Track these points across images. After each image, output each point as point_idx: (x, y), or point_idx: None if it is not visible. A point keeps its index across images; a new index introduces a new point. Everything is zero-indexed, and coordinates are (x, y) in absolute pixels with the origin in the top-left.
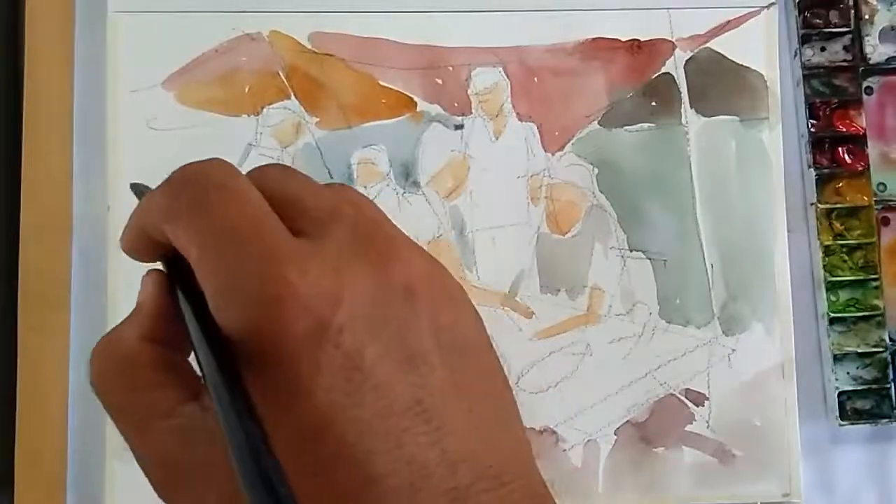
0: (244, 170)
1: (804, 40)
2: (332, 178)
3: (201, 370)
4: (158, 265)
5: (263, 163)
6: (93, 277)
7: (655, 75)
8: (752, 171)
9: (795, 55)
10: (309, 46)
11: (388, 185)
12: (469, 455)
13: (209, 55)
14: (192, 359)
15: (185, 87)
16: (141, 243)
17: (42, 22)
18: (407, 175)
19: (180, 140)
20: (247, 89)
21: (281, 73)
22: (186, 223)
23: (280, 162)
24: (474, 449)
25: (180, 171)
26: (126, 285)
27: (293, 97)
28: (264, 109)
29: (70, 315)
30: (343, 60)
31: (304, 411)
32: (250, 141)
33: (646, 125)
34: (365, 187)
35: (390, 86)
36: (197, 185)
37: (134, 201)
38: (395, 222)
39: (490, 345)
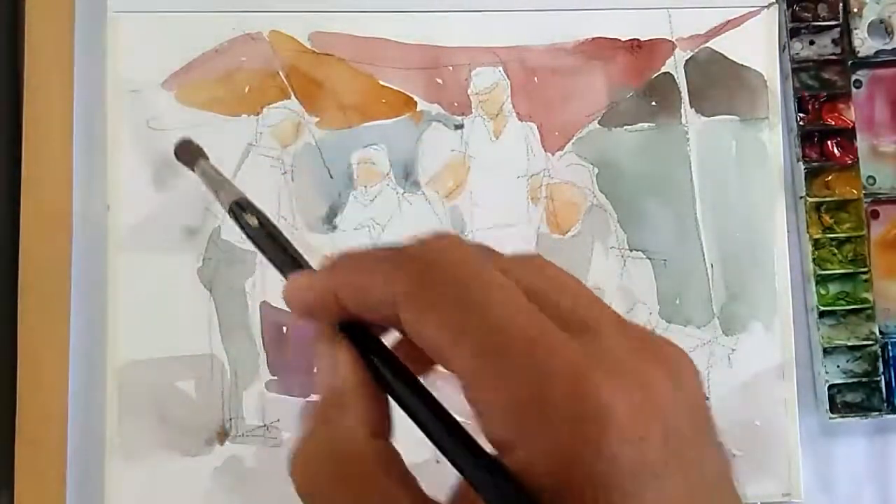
0: (245, 169)
1: (793, 34)
2: (332, 178)
3: (468, 473)
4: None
5: (264, 163)
6: (93, 277)
7: (655, 75)
8: (752, 171)
9: (784, 49)
10: (309, 46)
11: (388, 185)
12: None
13: (209, 55)
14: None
15: (185, 86)
16: (323, 308)
17: (42, 22)
18: (407, 175)
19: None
20: (247, 89)
21: (281, 73)
22: (444, 318)
23: (280, 162)
24: None
25: (419, 251)
26: (126, 285)
27: (293, 97)
28: (264, 109)
29: (70, 315)
30: (343, 60)
31: None
32: (250, 141)
33: (646, 125)
34: (365, 187)
35: (390, 86)
36: (450, 272)
37: (135, 196)
38: (395, 223)
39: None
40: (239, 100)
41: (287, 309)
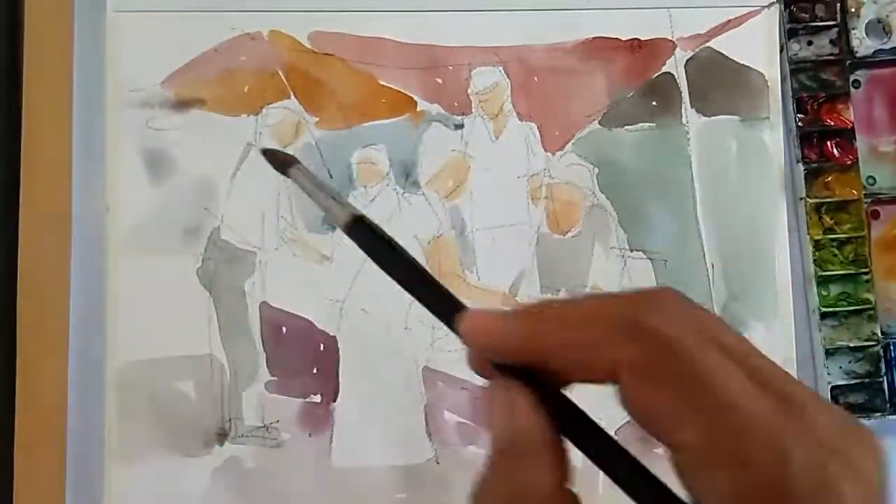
0: (244, 169)
1: (791, 35)
2: (331, 178)
3: None
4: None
5: (263, 163)
6: (92, 278)
7: (656, 75)
8: (753, 171)
9: (782, 50)
10: (308, 46)
11: (388, 185)
12: None
13: (209, 55)
14: None
15: (185, 86)
16: (518, 354)
17: (42, 22)
18: (407, 175)
19: (180, 140)
20: (246, 89)
21: (280, 73)
22: (674, 395)
23: None
24: None
25: (646, 318)
26: (126, 285)
27: (293, 97)
28: (264, 109)
29: (69, 315)
30: (343, 60)
31: None
32: (250, 140)
33: (646, 125)
34: (365, 187)
35: (390, 85)
36: (678, 347)
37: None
38: (395, 223)
39: None
40: (238, 99)
41: (286, 309)
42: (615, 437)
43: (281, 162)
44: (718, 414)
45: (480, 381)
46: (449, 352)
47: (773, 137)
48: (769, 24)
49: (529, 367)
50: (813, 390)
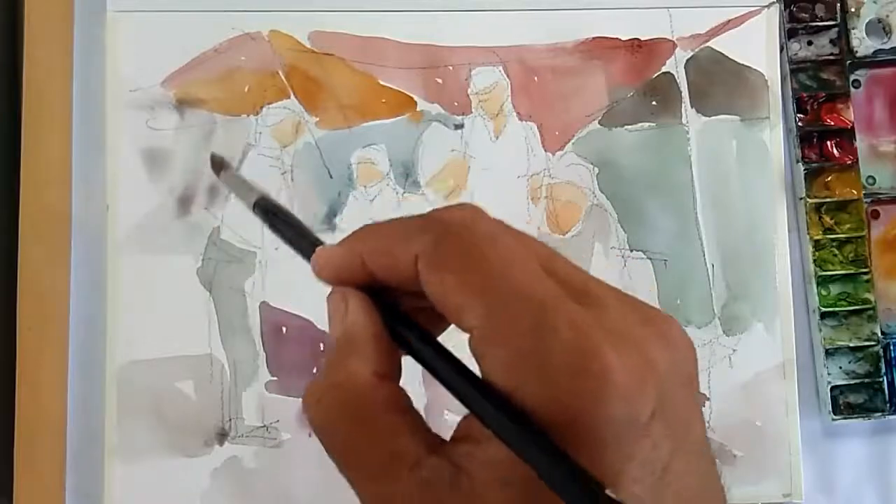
0: (244, 169)
1: (790, 34)
2: (331, 177)
3: (486, 423)
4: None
5: (263, 163)
6: (92, 277)
7: (656, 74)
8: (753, 171)
9: (782, 50)
10: (309, 46)
11: (388, 185)
12: None
13: (209, 55)
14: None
15: (185, 86)
16: (348, 273)
17: (41, 22)
18: (407, 175)
19: (180, 139)
20: (246, 89)
21: (281, 73)
22: (460, 278)
23: (280, 161)
24: None
25: (440, 215)
26: (126, 285)
27: (293, 97)
28: (264, 109)
29: (70, 315)
30: (343, 60)
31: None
32: (249, 140)
33: (646, 125)
34: (365, 187)
35: (390, 85)
36: (467, 236)
37: (133, 194)
38: None
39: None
40: (239, 99)
41: (286, 309)
42: (446, 347)
43: (214, 164)
44: (498, 294)
45: None
46: None
47: (773, 137)
48: (769, 24)
49: (376, 286)
50: (623, 292)
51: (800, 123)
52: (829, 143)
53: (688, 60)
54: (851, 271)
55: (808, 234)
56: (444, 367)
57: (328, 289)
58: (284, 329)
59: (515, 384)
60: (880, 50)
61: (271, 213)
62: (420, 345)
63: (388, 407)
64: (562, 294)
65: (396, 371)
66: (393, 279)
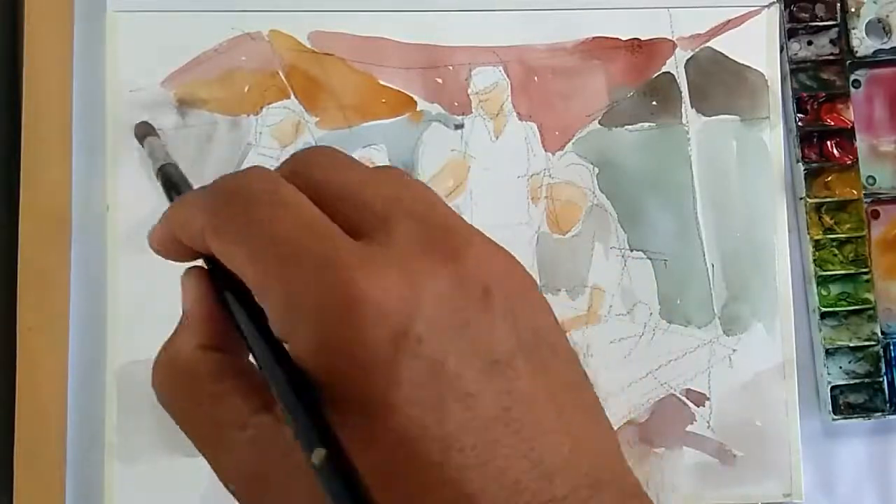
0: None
1: (790, 34)
2: None
3: (269, 382)
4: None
5: (263, 163)
6: (93, 277)
7: (656, 74)
8: (753, 171)
9: (782, 50)
10: (309, 46)
11: None
12: (563, 463)
13: (209, 55)
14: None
15: (185, 86)
16: (174, 248)
17: (41, 21)
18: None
19: (180, 140)
20: (246, 89)
21: (281, 73)
22: (235, 241)
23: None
24: (568, 456)
25: (220, 182)
26: (126, 285)
27: (293, 97)
28: (264, 109)
29: (70, 315)
30: (343, 60)
31: (386, 430)
32: (250, 140)
33: (646, 124)
34: None
35: (390, 85)
36: (241, 198)
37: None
38: None
39: (566, 338)
40: (239, 99)
41: None
42: (269, 329)
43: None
44: (269, 252)
45: None
46: None
47: (773, 137)
48: (769, 24)
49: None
50: (431, 205)
51: (800, 123)
52: (829, 143)
53: (688, 60)
54: (851, 271)
55: (808, 234)
56: (247, 328)
57: None
58: None
59: (283, 333)
60: (880, 50)
61: (172, 183)
62: (237, 309)
63: (213, 377)
64: (331, 231)
65: (227, 343)
66: (202, 251)
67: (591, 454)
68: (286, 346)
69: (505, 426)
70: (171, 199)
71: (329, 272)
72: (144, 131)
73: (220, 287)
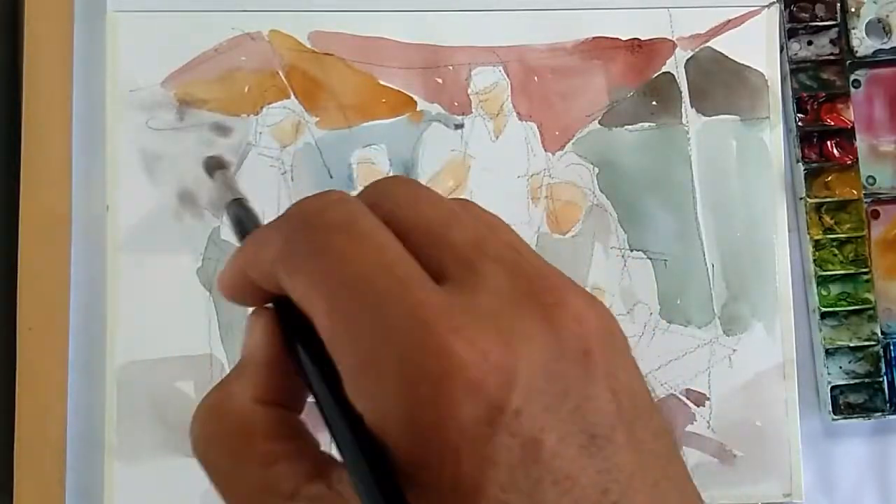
0: (244, 169)
1: (791, 34)
2: (331, 178)
3: (340, 453)
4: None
5: (263, 163)
6: (93, 277)
7: (656, 74)
8: (753, 171)
9: (782, 50)
10: (309, 46)
11: None
12: None
13: (209, 55)
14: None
15: (185, 86)
16: (246, 289)
17: (41, 21)
18: (407, 175)
19: (180, 140)
20: (246, 89)
21: (281, 73)
22: (308, 277)
23: (280, 161)
24: None
25: (296, 207)
26: (126, 285)
27: (293, 97)
28: (264, 109)
29: (70, 315)
30: (343, 60)
31: None
32: (250, 140)
33: (646, 124)
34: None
35: (390, 85)
36: (317, 227)
37: (133, 197)
38: None
39: (657, 405)
40: (239, 99)
41: None
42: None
43: (210, 165)
44: (340, 291)
45: None
46: None
47: (773, 137)
48: (769, 24)
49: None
50: (520, 247)
51: (800, 123)
52: (829, 143)
53: (688, 60)
54: (851, 271)
55: (808, 234)
56: (320, 389)
57: None
58: None
59: (361, 400)
60: (880, 50)
61: (241, 220)
62: (308, 364)
63: (267, 434)
64: (418, 279)
65: (287, 397)
66: (274, 290)
67: None
68: (358, 408)
69: None
70: (240, 236)
71: (416, 328)
72: (215, 164)
73: (290, 333)
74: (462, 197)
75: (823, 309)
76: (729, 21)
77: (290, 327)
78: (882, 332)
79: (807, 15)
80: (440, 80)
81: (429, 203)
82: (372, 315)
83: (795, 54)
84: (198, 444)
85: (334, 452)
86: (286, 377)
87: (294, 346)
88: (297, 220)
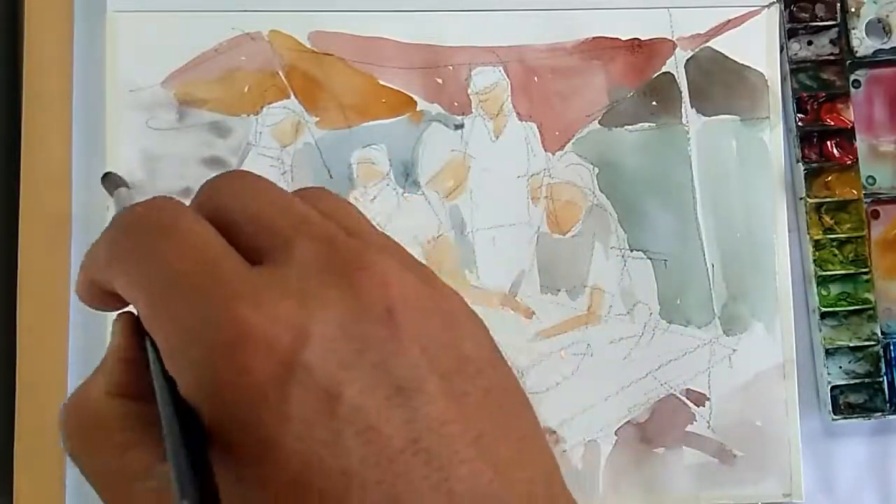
0: (244, 168)
1: (790, 34)
2: (331, 178)
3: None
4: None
5: (263, 163)
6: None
7: (656, 74)
8: (753, 171)
9: (782, 50)
10: (309, 46)
11: (388, 185)
12: (484, 494)
13: (209, 55)
14: None
15: (185, 86)
16: (94, 294)
17: (41, 22)
18: (407, 175)
19: (180, 140)
20: (246, 89)
21: (281, 73)
22: (129, 273)
23: (280, 161)
24: (487, 486)
25: (121, 213)
26: None
27: (293, 97)
28: (264, 109)
29: (70, 315)
30: (343, 60)
31: (278, 470)
32: (250, 140)
33: (646, 125)
34: (365, 187)
35: (390, 85)
36: (138, 229)
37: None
38: (395, 223)
39: (502, 360)
40: (239, 99)
41: None
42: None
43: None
44: (157, 281)
45: None
46: None
47: (773, 137)
48: (769, 24)
49: None
50: (341, 225)
51: (800, 123)
52: (829, 143)
53: (688, 60)
54: (851, 271)
55: (808, 234)
56: (156, 374)
57: None
58: None
59: (174, 373)
60: (880, 50)
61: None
62: (153, 362)
63: (121, 425)
64: (229, 263)
65: (141, 390)
66: (109, 289)
67: (516, 483)
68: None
69: (413, 457)
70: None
71: (213, 304)
72: (115, 183)
73: (138, 330)
74: (461, 197)
75: (823, 309)
76: (729, 21)
77: (139, 326)
78: (882, 332)
79: (807, 15)
80: (440, 80)
81: (256, 191)
82: (183, 302)
83: (795, 54)
84: (64, 440)
85: None
86: (140, 372)
87: (143, 342)
88: (121, 222)
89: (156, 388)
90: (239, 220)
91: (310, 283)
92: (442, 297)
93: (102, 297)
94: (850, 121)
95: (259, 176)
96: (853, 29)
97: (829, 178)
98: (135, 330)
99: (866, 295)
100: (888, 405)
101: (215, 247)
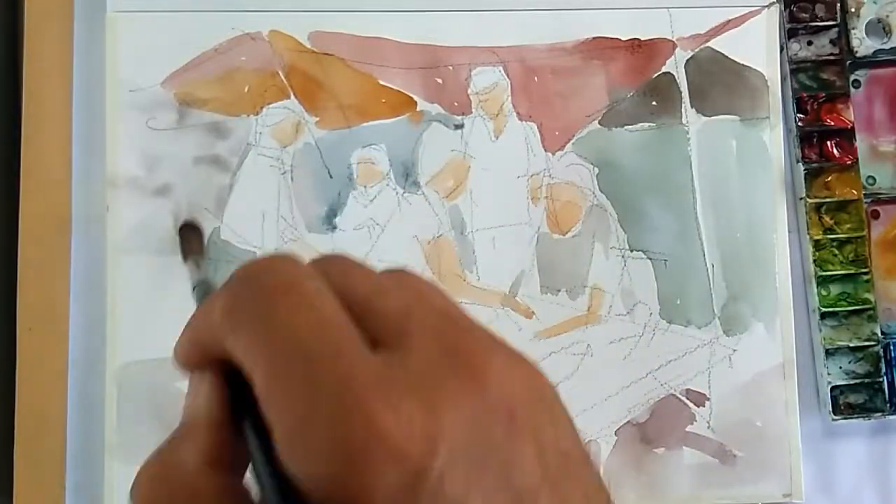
0: (244, 169)
1: (791, 35)
2: (331, 177)
3: None
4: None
5: (263, 163)
6: (92, 278)
7: (656, 75)
8: (753, 171)
9: (782, 50)
10: (309, 46)
11: (388, 185)
12: None
13: (209, 55)
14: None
15: (185, 86)
16: (195, 357)
17: (41, 22)
18: (407, 175)
19: (179, 140)
20: (246, 89)
21: (281, 73)
22: (249, 337)
23: (280, 161)
24: None
25: (242, 269)
26: (126, 285)
27: (293, 97)
28: (264, 109)
29: (69, 316)
30: (343, 60)
31: None
32: (250, 140)
33: (646, 125)
34: (365, 187)
35: (390, 85)
36: (261, 287)
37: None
38: (395, 223)
39: (588, 457)
40: (239, 99)
41: None
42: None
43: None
44: (279, 355)
45: None
46: None
47: (773, 137)
48: (769, 24)
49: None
50: (452, 313)
51: (800, 123)
52: (829, 143)
53: (688, 60)
54: (851, 271)
55: (808, 234)
56: (255, 451)
57: None
58: None
59: (289, 461)
60: (880, 50)
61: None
62: (249, 432)
63: (218, 498)
64: (352, 342)
65: (235, 462)
66: (221, 354)
67: None
68: (290, 471)
69: None
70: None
71: (346, 396)
72: (190, 247)
73: (235, 396)
74: (461, 197)
75: (823, 309)
76: (729, 21)
77: (234, 390)
78: (882, 333)
79: (807, 15)
80: (440, 81)
81: (360, 275)
82: (306, 381)
83: (795, 54)
84: None
85: None
86: (233, 442)
87: (237, 410)
88: (242, 281)
89: (257, 466)
90: (350, 299)
91: (432, 380)
92: (548, 391)
93: (202, 361)
94: (850, 121)
95: (354, 259)
96: (853, 29)
97: (829, 179)
98: (226, 395)
99: (866, 295)
100: (888, 405)
101: (340, 320)
